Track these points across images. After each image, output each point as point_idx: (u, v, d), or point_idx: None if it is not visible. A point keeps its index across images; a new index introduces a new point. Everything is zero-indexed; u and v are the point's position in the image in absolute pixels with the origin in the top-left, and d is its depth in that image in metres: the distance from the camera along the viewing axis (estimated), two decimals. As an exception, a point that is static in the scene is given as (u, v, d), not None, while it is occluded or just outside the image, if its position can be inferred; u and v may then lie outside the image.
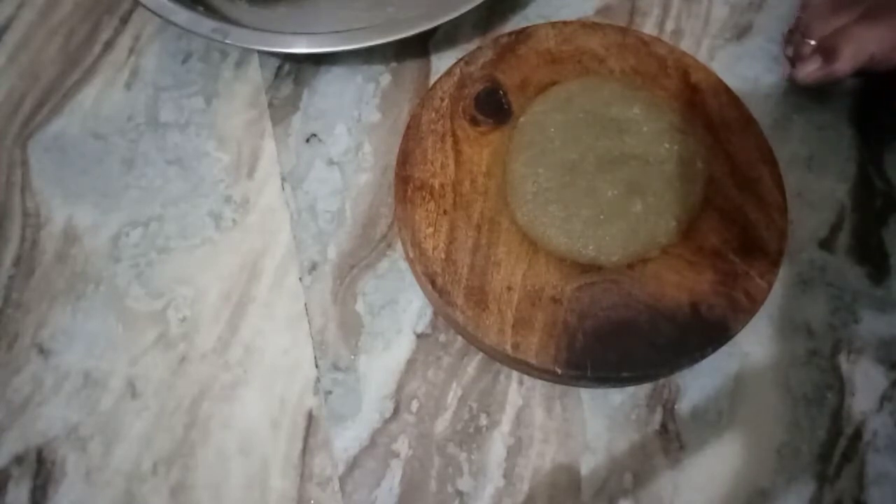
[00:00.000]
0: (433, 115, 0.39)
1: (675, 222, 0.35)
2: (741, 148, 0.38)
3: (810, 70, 0.40)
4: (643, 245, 0.35)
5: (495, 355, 0.36)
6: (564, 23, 0.42)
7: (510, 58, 0.41)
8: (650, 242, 0.35)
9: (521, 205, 0.36)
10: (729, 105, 0.39)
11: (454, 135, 0.39)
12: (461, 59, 0.41)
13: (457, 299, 0.35)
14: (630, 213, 0.35)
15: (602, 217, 0.35)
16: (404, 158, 0.38)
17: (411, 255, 0.36)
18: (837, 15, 0.40)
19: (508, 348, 0.33)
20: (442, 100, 0.40)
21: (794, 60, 0.42)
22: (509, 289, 0.35)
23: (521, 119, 0.39)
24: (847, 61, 0.38)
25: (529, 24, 0.43)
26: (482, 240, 0.36)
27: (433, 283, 0.35)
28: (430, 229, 0.36)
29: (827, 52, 0.39)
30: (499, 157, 0.38)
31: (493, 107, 0.40)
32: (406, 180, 0.38)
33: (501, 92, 0.40)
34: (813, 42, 0.41)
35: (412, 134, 0.39)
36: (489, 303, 0.34)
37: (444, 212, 0.37)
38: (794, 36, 0.43)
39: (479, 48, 0.42)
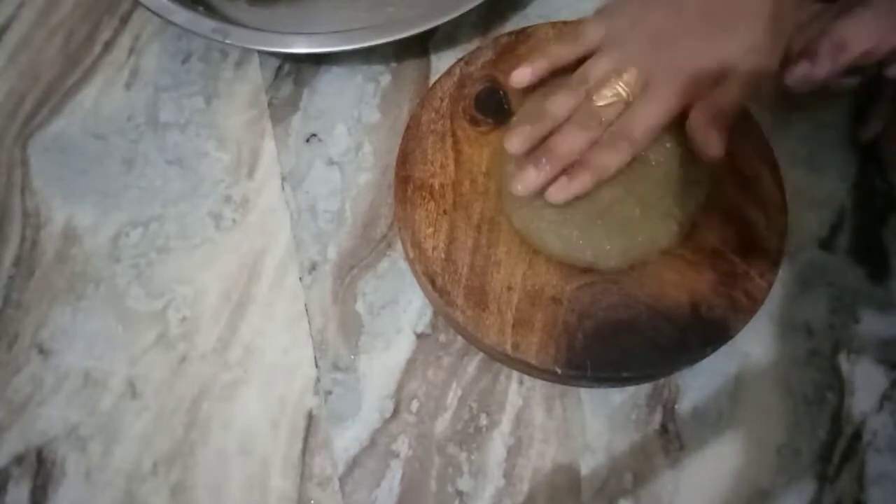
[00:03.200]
0: (433, 115, 0.39)
1: (676, 227, 0.35)
2: (742, 147, 0.38)
3: (798, 74, 0.40)
4: (642, 250, 0.35)
5: (495, 355, 0.36)
6: (564, 23, 0.42)
7: (510, 58, 0.41)
8: (649, 247, 0.35)
9: (515, 208, 0.36)
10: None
11: (454, 135, 0.39)
12: (461, 59, 0.41)
13: (457, 299, 0.35)
14: (629, 219, 0.35)
15: (599, 222, 0.35)
16: (404, 158, 0.38)
17: (411, 254, 0.36)
18: (817, 19, 0.40)
19: (508, 348, 0.33)
20: (442, 100, 0.40)
21: (783, 68, 0.42)
22: (509, 289, 0.35)
23: (514, 118, 0.38)
24: (830, 60, 0.38)
25: (529, 25, 0.43)
26: (482, 240, 0.36)
27: (433, 283, 0.35)
28: (430, 229, 0.36)
29: (810, 54, 0.39)
30: (499, 158, 0.38)
31: (492, 107, 0.40)
32: (406, 180, 0.38)
33: (501, 92, 0.40)
34: (798, 53, 0.41)
35: (412, 134, 0.39)
36: (489, 303, 0.34)
37: (444, 212, 0.37)
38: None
39: (479, 48, 0.41)
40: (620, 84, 0.34)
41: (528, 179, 0.34)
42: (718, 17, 0.35)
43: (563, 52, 0.37)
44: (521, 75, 0.37)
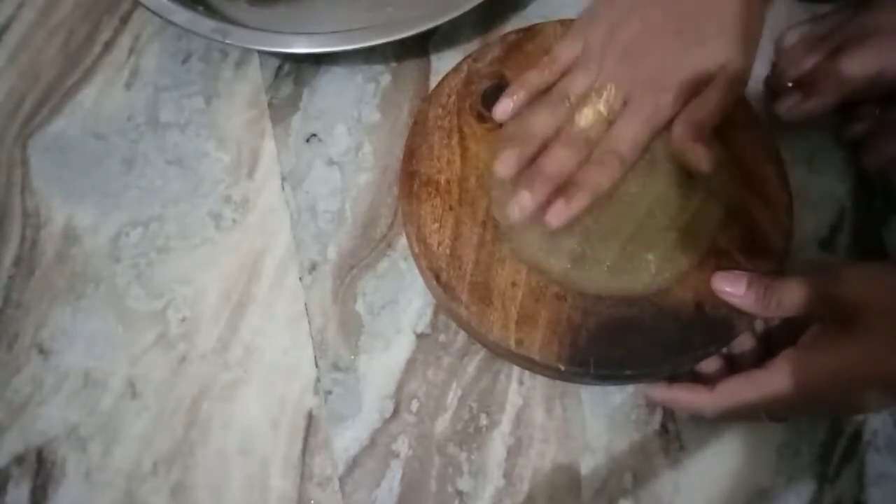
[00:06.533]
0: (440, 111, 0.39)
1: (676, 271, 0.34)
2: (747, 147, 0.38)
3: (791, 104, 0.41)
4: (630, 286, 0.34)
5: (498, 351, 0.36)
6: (573, 20, 0.42)
7: (518, 55, 0.41)
8: (639, 285, 0.34)
9: (513, 237, 0.35)
10: (736, 104, 0.39)
11: (461, 131, 0.39)
12: (469, 56, 0.41)
13: (461, 295, 0.35)
14: (628, 264, 0.34)
15: (591, 257, 0.34)
16: (411, 154, 0.38)
17: (416, 249, 0.36)
18: (810, 55, 0.41)
19: (512, 344, 0.33)
20: (449, 96, 0.40)
21: (775, 96, 0.42)
22: (514, 285, 0.35)
23: (498, 140, 0.38)
24: (826, 95, 0.39)
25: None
26: (487, 236, 0.36)
27: (438, 278, 0.35)
28: (436, 225, 0.36)
29: (806, 87, 0.40)
30: None
31: None
32: (412, 176, 0.38)
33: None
34: (790, 84, 0.42)
35: (419, 129, 0.39)
36: (493, 299, 0.34)
37: (450, 207, 0.37)
38: (772, 80, 0.44)
39: (487, 45, 0.41)
40: (600, 103, 0.35)
41: (523, 203, 0.33)
42: (688, 28, 0.35)
43: (541, 79, 0.37)
44: (503, 108, 0.37)
